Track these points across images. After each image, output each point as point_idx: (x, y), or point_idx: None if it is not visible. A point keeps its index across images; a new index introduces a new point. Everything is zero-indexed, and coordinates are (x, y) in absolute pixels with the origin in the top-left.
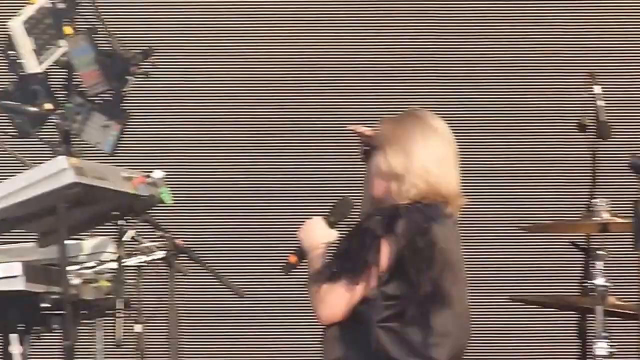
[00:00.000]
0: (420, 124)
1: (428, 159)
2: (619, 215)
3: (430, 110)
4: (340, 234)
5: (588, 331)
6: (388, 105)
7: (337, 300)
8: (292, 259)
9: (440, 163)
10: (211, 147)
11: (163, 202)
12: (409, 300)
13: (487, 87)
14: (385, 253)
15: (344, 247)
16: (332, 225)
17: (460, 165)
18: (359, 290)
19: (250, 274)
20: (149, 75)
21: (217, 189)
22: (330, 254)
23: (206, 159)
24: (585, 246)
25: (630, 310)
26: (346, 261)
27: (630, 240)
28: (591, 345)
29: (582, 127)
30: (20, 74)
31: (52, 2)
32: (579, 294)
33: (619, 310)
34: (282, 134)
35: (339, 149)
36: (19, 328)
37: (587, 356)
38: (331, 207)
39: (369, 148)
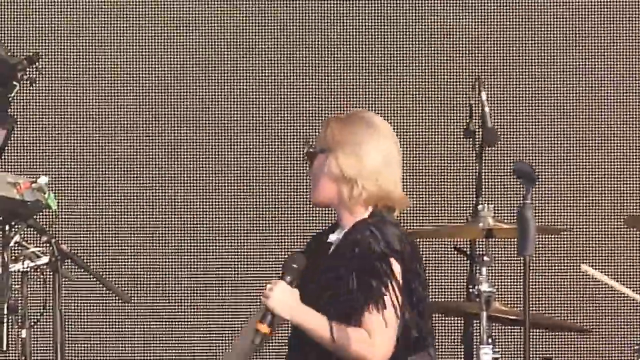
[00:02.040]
0: (368, 124)
1: (378, 161)
2: (503, 221)
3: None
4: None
5: (473, 336)
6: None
7: (384, 337)
8: (264, 329)
9: (389, 165)
10: (96, 151)
11: (49, 207)
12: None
13: (380, 87)
14: (397, 270)
15: (356, 280)
16: (291, 284)
17: None
18: (396, 317)
19: (135, 277)
20: (34, 81)
21: (103, 193)
22: (342, 296)
23: (91, 162)
24: (470, 252)
25: (514, 316)
26: (367, 293)
27: (515, 245)
28: (476, 350)
29: (468, 133)
30: None
31: None
32: (464, 299)
33: (504, 316)
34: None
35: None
36: None
37: None
38: (283, 267)
39: (314, 150)
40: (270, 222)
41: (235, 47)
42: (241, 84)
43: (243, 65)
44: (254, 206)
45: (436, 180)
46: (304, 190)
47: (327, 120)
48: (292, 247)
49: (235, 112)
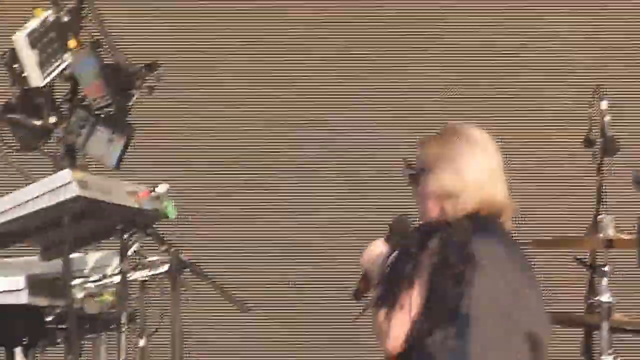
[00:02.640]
0: (464, 138)
1: (479, 173)
2: (624, 231)
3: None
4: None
5: (594, 348)
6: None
7: (395, 328)
8: (360, 284)
9: (490, 175)
10: (216, 161)
11: (167, 217)
12: (436, 317)
13: (493, 100)
14: (424, 269)
15: (389, 270)
16: (394, 247)
17: None
18: (410, 312)
19: (255, 287)
20: (154, 89)
21: (222, 203)
22: (380, 279)
23: (211, 172)
24: (590, 262)
25: (636, 327)
26: (392, 285)
27: (635, 256)
28: None
29: (588, 143)
30: (24, 87)
31: (57, 15)
32: (585, 310)
33: (625, 327)
34: (291, 146)
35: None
36: (23, 342)
37: None
38: (389, 228)
39: (415, 172)
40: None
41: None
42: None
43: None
44: (367, 212)
45: (557, 190)
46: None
47: (422, 139)
48: None
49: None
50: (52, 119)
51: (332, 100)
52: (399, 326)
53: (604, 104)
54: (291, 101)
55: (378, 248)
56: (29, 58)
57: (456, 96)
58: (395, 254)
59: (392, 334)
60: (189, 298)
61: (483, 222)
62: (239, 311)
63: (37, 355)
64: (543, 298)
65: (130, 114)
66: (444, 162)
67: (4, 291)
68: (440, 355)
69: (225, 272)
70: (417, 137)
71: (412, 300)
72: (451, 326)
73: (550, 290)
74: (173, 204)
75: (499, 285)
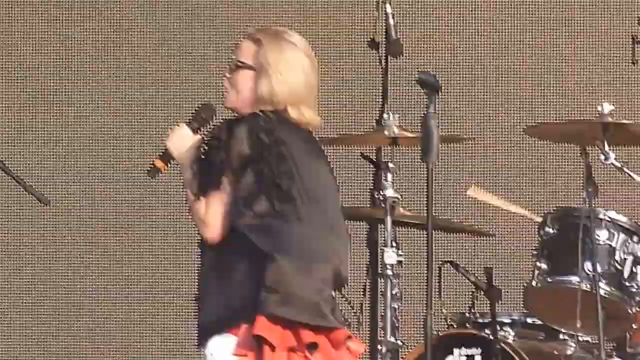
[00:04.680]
0: (297, 51)
1: (303, 88)
2: (408, 129)
3: None
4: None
5: (378, 240)
6: None
7: (212, 216)
8: (158, 163)
9: (309, 91)
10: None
11: None
12: (269, 195)
13: (287, 4)
14: (234, 156)
15: (200, 160)
16: (195, 131)
17: None
18: (225, 199)
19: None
20: None
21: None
22: (193, 167)
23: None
24: (376, 159)
25: (418, 221)
26: (204, 174)
27: (419, 153)
28: (381, 253)
29: (373, 45)
30: None
31: None
32: (370, 205)
33: (408, 221)
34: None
35: None
36: None
37: (378, 264)
38: (193, 113)
39: (241, 64)
40: None
41: None
42: None
43: None
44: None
45: (344, 90)
46: None
47: (257, 37)
48: None
49: None
50: None
51: None
52: (215, 213)
53: (388, 8)
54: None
55: (184, 131)
56: None
57: None
58: (206, 139)
59: (209, 222)
60: None
61: (286, 117)
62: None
63: None
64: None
65: None
66: (274, 68)
67: None
68: (259, 235)
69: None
70: None
71: (224, 186)
72: (280, 204)
73: (338, 185)
74: None
75: (306, 170)
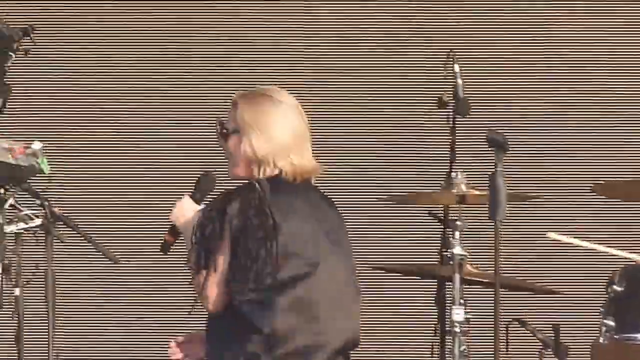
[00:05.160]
0: (272, 103)
1: (286, 138)
2: (475, 187)
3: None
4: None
5: (446, 298)
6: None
7: (208, 289)
8: (168, 238)
9: (296, 140)
10: (89, 121)
11: (42, 172)
12: (248, 278)
13: (350, 62)
14: (226, 234)
15: (195, 234)
16: (198, 202)
17: (324, 138)
18: (220, 276)
19: (125, 240)
20: (29, 52)
21: (98, 160)
22: (191, 240)
23: (84, 132)
24: (444, 217)
25: (485, 278)
26: (199, 249)
27: (486, 211)
28: (449, 311)
29: (441, 104)
30: None
31: None
32: (438, 262)
33: (475, 278)
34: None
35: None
36: None
37: (445, 321)
38: (195, 184)
39: (226, 132)
40: None
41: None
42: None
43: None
44: None
45: (412, 149)
46: None
47: (235, 100)
48: None
49: None
50: None
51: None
52: (212, 287)
53: (456, 67)
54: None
55: (186, 204)
56: None
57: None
58: (201, 215)
59: (207, 295)
60: (62, 249)
61: (284, 183)
62: (110, 262)
63: None
64: (349, 256)
65: (6, 75)
66: (254, 127)
67: None
68: (251, 314)
69: (96, 225)
70: None
71: (218, 262)
72: (259, 286)
73: (406, 243)
74: (47, 160)
75: (298, 244)
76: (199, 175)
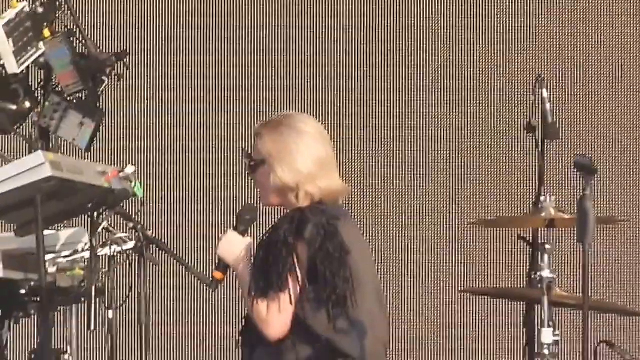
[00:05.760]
0: (294, 131)
1: (313, 168)
2: (564, 211)
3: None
4: (257, 243)
5: (535, 321)
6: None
7: (278, 315)
8: (217, 275)
9: (321, 165)
10: (182, 143)
11: (135, 196)
12: (327, 302)
13: (439, 87)
14: (302, 258)
15: (261, 261)
16: (243, 234)
17: (411, 161)
18: (290, 301)
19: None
20: (122, 76)
21: (190, 181)
22: (252, 269)
23: (176, 154)
24: (533, 240)
25: (574, 301)
26: (268, 275)
27: (575, 235)
28: (538, 333)
29: (530, 128)
30: (1, 74)
31: (32, 7)
32: (527, 285)
33: (564, 301)
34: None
35: None
36: None
37: (534, 344)
38: (237, 217)
39: (253, 164)
40: None
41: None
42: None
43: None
44: None
45: (501, 173)
46: None
47: (259, 130)
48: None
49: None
50: (27, 104)
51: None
52: (283, 313)
53: (544, 92)
54: (259, 88)
55: (233, 238)
56: (5, 47)
57: (391, 81)
58: (264, 242)
59: (276, 322)
60: (155, 272)
61: (332, 208)
62: (203, 285)
63: (13, 325)
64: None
65: (100, 100)
66: (278, 157)
67: None
68: (330, 335)
69: (189, 248)
70: None
71: (292, 288)
72: (337, 307)
73: (495, 266)
74: (140, 184)
75: (363, 265)
76: (240, 210)
